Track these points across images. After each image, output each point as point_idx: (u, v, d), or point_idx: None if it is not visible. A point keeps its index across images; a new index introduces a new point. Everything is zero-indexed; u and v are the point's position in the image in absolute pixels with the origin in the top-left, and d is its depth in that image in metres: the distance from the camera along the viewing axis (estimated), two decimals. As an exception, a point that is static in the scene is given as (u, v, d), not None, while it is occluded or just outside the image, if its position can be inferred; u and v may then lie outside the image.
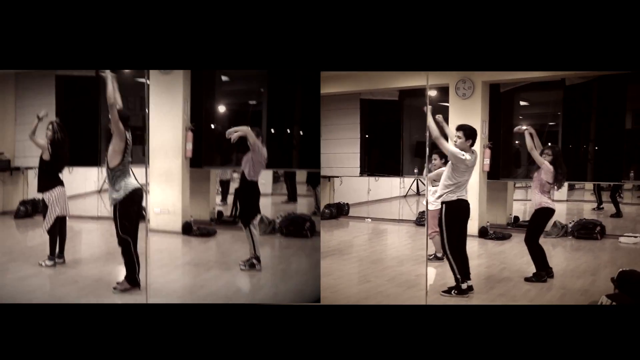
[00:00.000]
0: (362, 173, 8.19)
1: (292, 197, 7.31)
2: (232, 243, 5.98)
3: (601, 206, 7.62)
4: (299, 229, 6.15)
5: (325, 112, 7.99)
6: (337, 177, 8.24)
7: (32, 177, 6.83)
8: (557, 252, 5.14)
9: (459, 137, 4.49)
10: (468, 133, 4.50)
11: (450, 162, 4.55)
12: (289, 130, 5.12)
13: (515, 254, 5.79)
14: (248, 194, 5.02)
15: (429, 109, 4.50)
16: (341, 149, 8.09)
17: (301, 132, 5.21)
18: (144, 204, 4.53)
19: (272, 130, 6.63)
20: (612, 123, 6.51)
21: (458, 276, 4.58)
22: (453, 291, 4.60)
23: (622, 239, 6.47)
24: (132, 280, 4.38)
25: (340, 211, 8.27)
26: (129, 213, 4.33)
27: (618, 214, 7.37)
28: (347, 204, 8.37)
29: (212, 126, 6.97)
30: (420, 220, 7.72)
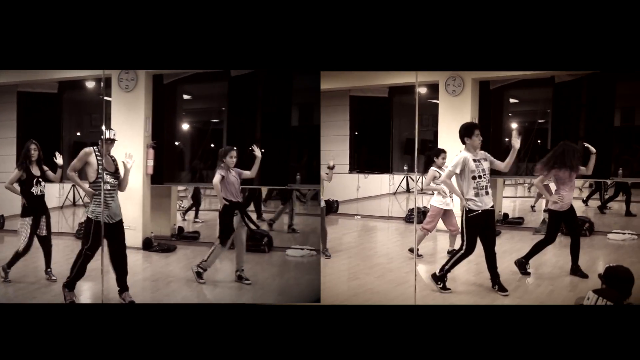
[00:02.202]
0: (351, 170, 8.17)
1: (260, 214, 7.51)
2: (192, 258, 6.00)
3: (588, 204, 7.69)
4: (256, 244, 6.28)
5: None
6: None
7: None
8: (547, 249, 5.15)
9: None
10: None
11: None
12: (250, 149, 5.14)
13: (504, 250, 5.80)
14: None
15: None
16: (330, 146, 8.06)
17: (262, 150, 5.24)
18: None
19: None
20: (602, 120, 6.52)
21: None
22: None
23: (610, 236, 6.51)
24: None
25: (329, 208, 8.23)
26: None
27: (602, 210, 7.48)
28: (337, 200, 8.35)
29: (177, 143, 6.99)
30: (410, 217, 7.71)
